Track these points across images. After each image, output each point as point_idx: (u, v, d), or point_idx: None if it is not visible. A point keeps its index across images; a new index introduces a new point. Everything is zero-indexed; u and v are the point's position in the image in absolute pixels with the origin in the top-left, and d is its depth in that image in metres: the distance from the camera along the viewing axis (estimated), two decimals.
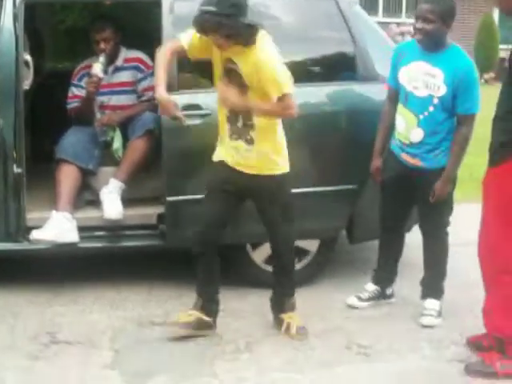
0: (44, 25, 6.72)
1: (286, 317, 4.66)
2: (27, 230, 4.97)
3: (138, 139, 5.31)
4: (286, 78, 4.22)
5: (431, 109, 4.59)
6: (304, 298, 5.04)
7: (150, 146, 5.28)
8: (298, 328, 4.61)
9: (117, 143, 5.47)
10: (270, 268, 5.28)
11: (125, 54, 5.73)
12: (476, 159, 9.08)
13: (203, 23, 4.13)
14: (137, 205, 5.30)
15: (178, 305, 5.01)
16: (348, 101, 5.14)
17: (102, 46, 5.54)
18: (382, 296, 5.12)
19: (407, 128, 4.68)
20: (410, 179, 4.74)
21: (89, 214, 5.25)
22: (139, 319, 4.81)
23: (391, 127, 4.85)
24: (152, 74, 5.59)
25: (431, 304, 4.86)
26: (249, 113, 4.31)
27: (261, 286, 5.17)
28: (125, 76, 5.71)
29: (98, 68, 5.41)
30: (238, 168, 4.45)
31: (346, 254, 5.97)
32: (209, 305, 4.59)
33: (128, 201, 5.23)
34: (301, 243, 5.28)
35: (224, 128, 4.47)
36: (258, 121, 4.33)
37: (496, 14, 19.36)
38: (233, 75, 4.32)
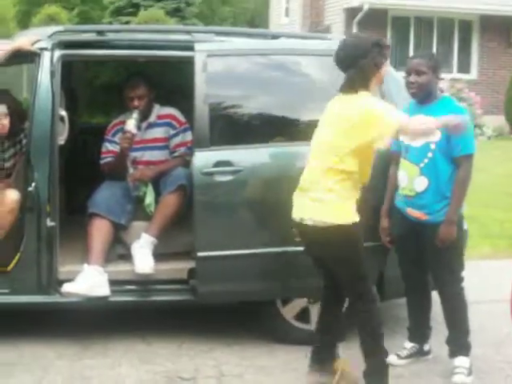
0: (79, 81, 6.85)
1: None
2: (59, 283, 5.02)
3: (170, 194, 5.36)
4: None
5: (430, 155, 4.69)
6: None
7: (182, 202, 5.33)
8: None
9: (149, 198, 5.52)
10: (300, 324, 5.30)
11: (158, 110, 5.81)
12: (507, 214, 9.10)
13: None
14: (168, 259, 5.33)
15: (208, 359, 5.03)
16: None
17: (136, 102, 5.64)
18: (420, 353, 5.09)
19: (410, 179, 4.75)
20: (416, 235, 4.79)
21: (120, 268, 5.29)
22: (168, 373, 4.81)
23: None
24: (184, 130, 5.68)
25: (460, 362, 4.82)
26: None
27: (290, 342, 5.19)
28: (158, 132, 5.79)
29: (131, 124, 5.50)
30: None
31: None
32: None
33: (159, 255, 5.27)
34: None
35: None
36: None
37: None
38: None
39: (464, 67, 21.55)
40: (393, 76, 5.40)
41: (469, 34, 21.89)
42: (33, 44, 5.10)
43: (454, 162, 4.70)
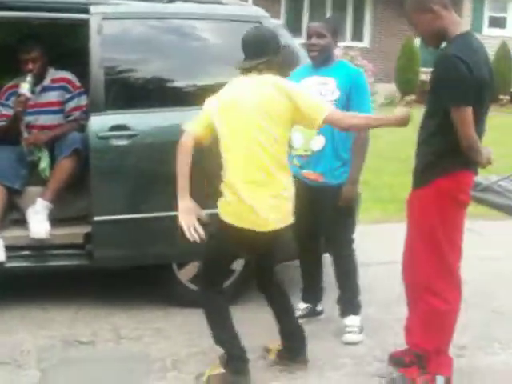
0: None
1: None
2: None
3: (65, 159, 5.31)
4: None
5: None
6: None
7: (77, 166, 5.29)
8: None
9: (44, 163, 5.46)
10: (195, 287, 5.36)
11: (52, 74, 5.74)
12: (398, 179, 9.36)
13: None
14: (64, 224, 5.29)
15: (105, 323, 5.05)
16: None
17: (30, 66, 5.55)
18: (313, 313, 5.24)
19: (306, 139, 4.83)
20: (311, 200, 4.87)
21: (15, 234, 5.22)
22: (65, 338, 4.81)
23: None
24: (79, 95, 5.62)
25: (351, 321, 4.99)
26: None
27: (187, 305, 5.26)
28: (52, 96, 5.73)
29: (25, 88, 5.41)
30: None
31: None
32: None
33: (55, 220, 5.22)
34: None
35: None
36: None
37: (417, 39, 19.83)
38: None
39: (357, 35, 21.89)
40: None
41: (362, 2, 22.23)
42: None
43: None
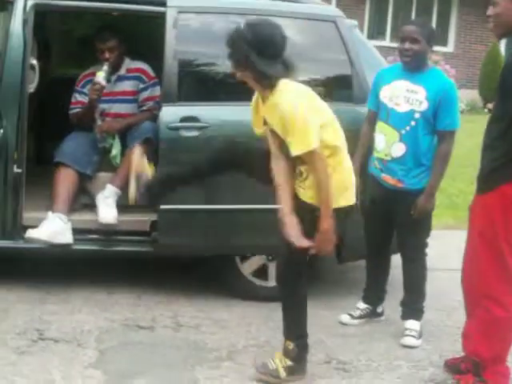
0: (54, 32, 6.88)
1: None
2: (24, 229, 5.09)
3: (137, 147, 5.42)
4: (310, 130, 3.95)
5: (413, 123, 4.74)
6: None
7: (147, 155, 5.38)
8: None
9: (115, 150, 5.60)
10: (257, 280, 5.42)
11: (128, 64, 5.87)
12: (472, 186, 9.19)
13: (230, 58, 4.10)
14: (131, 211, 5.40)
15: (166, 310, 5.15)
16: (343, 121, 5.22)
17: (107, 55, 5.69)
18: (373, 314, 5.23)
19: (388, 144, 4.81)
20: (389, 201, 4.87)
21: (84, 217, 5.37)
22: (126, 322, 4.92)
23: (369, 149, 4.99)
24: (153, 85, 5.73)
25: (412, 325, 4.97)
26: None
27: (248, 298, 5.35)
28: (127, 85, 5.86)
29: (100, 76, 5.55)
30: None
31: (337, 273, 6.06)
32: None
33: (123, 207, 5.34)
34: None
35: None
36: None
37: (502, 45, 19.50)
38: (274, 137, 4.14)
39: (441, 39, 21.62)
40: (363, 43, 5.49)
41: (448, 6, 21.94)
42: None
43: (433, 135, 4.76)
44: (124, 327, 4.85)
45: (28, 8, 5.07)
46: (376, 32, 20.59)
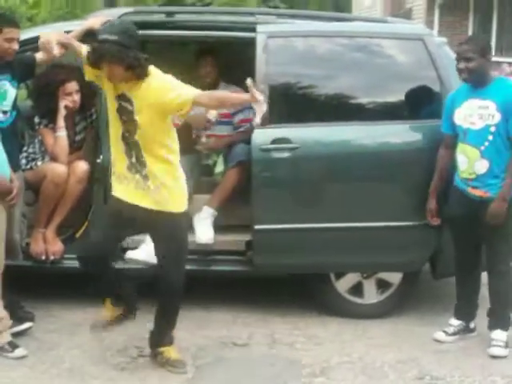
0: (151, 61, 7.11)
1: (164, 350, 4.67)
2: (123, 250, 5.30)
3: (231, 170, 5.60)
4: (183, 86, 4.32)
5: (490, 138, 4.77)
6: (383, 329, 5.30)
7: (241, 177, 5.54)
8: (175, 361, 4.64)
9: (220, 167, 5.78)
10: (352, 298, 5.48)
11: (223, 88, 6.07)
12: None
13: (104, 53, 4.18)
14: (227, 231, 5.57)
15: (261, 328, 5.28)
16: (433, 138, 5.26)
17: (208, 79, 6.00)
18: (466, 330, 5.22)
19: (470, 163, 4.84)
20: (476, 213, 4.87)
21: None
22: (222, 340, 5.06)
23: (446, 171, 5.05)
24: (247, 108, 5.89)
25: (498, 335, 4.96)
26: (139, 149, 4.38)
27: (342, 315, 5.41)
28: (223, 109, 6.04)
29: (212, 115, 5.77)
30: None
31: (430, 288, 6.05)
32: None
33: (219, 227, 5.51)
34: (384, 275, 5.50)
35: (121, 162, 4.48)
36: (148, 159, 4.39)
37: None
38: (125, 113, 4.35)
39: None
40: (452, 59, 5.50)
41: None
42: (103, 24, 5.37)
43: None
44: (220, 344, 4.99)
45: None
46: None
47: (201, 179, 5.85)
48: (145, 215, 4.41)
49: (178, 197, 4.49)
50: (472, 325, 5.23)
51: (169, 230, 4.45)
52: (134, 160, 4.40)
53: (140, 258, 5.20)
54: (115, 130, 4.42)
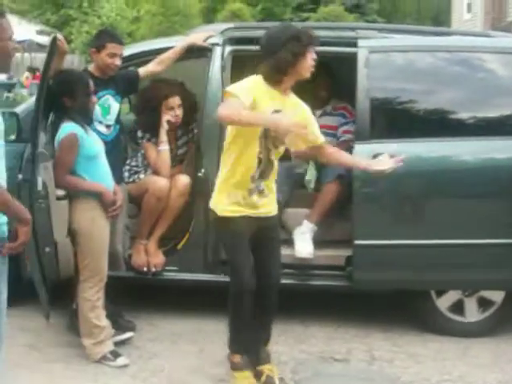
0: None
1: (266, 369, 4.61)
2: (223, 263, 5.33)
3: (330, 184, 5.60)
4: None
5: None
6: (485, 349, 5.19)
7: (340, 191, 5.53)
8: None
9: (310, 175, 5.77)
10: (453, 316, 5.40)
11: (335, 103, 6.23)
12: None
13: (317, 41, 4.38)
14: (327, 246, 5.57)
15: (361, 344, 5.24)
16: None
17: (322, 93, 6.19)
18: None
19: None
20: None
21: (283, 252, 5.53)
22: (322, 354, 5.05)
23: None
24: (354, 122, 5.84)
25: None
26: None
27: (443, 333, 5.35)
28: (330, 120, 6.16)
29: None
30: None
31: None
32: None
33: (319, 242, 5.51)
34: (486, 293, 5.39)
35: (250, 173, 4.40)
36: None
37: None
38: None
39: None
40: None
41: None
42: (205, 40, 5.47)
43: None
44: (319, 359, 4.98)
45: (226, 54, 5.41)
46: None
47: (294, 192, 5.85)
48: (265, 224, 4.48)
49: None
50: None
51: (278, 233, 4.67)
52: (261, 170, 4.41)
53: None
54: (252, 149, 4.37)
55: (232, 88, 4.29)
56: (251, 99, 4.16)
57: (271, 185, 4.49)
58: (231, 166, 4.37)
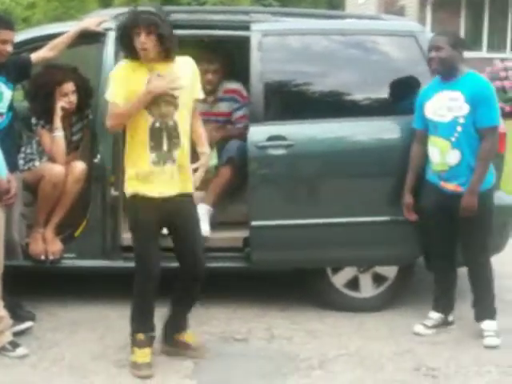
0: None
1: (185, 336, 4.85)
2: (122, 249, 5.36)
3: (222, 166, 5.69)
4: None
5: (459, 129, 4.85)
6: (380, 322, 5.36)
7: (233, 173, 5.63)
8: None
9: (214, 160, 5.81)
10: (349, 292, 5.54)
11: (225, 85, 6.15)
12: None
13: (143, 19, 4.33)
14: (225, 229, 5.62)
15: (260, 323, 5.33)
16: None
17: (210, 76, 6.00)
18: (445, 323, 5.27)
19: (442, 154, 4.92)
20: (450, 207, 4.94)
21: None
22: (223, 334, 5.13)
23: (420, 167, 5.12)
24: (246, 105, 5.91)
25: (487, 325, 5.04)
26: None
27: (339, 309, 5.49)
28: (223, 107, 6.16)
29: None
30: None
31: (426, 281, 6.08)
32: None
33: (216, 224, 5.57)
34: (380, 269, 5.56)
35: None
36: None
37: None
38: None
39: None
40: None
41: None
42: (98, 25, 5.45)
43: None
44: (220, 340, 5.05)
45: None
46: (472, 43, 20.35)
47: None
48: (174, 204, 4.50)
49: (191, 177, 4.60)
50: (451, 318, 5.29)
51: (195, 213, 4.68)
52: (165, 149, 4.43)
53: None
54: (142, 123, 4.43)
55: (107, 96, 4.52)
56: (125, 92, 4.41)
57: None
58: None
